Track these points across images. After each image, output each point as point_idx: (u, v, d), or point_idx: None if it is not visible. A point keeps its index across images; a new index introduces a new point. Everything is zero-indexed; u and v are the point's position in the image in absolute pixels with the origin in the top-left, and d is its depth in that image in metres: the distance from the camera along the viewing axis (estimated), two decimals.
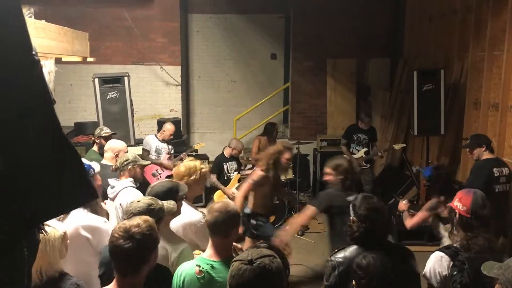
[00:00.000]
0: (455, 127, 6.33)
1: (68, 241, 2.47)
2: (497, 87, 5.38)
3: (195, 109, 9.53)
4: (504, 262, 1.96)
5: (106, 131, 5.28)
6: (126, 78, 6.30)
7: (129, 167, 3.92)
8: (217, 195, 6.60)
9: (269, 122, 8.05)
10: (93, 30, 7.53)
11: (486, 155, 4.46)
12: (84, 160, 3.73)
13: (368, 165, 7.02)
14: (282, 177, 6.87)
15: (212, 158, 7.21)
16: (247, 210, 4.64)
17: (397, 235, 5.80)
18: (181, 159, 6.43)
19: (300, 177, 7.16)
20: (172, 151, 6.57)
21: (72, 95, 8.46)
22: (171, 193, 2.89)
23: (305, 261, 5.48)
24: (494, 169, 4.35)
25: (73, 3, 7.98)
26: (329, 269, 2.56)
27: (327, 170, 4.05)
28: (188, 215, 3.19)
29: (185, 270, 2.37)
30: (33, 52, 1.11)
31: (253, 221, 4.61)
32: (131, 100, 6.41)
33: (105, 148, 4.64)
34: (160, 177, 5.99)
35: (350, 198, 3.26)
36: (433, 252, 2.73)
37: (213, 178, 6.65)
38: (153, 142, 6.45)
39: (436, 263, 2.64)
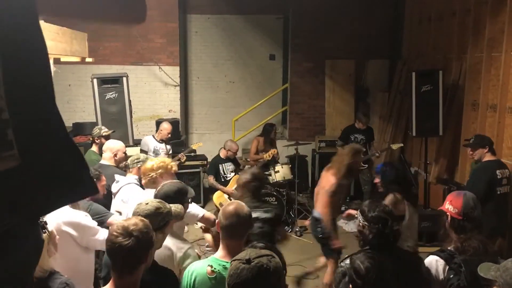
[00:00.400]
0: (454, 128, 6.34)
1: (57, 237, 2.47)
2: (495, 88, 5.39)
3: (193, 110, 9.53)
4: (501, 264, 1.95)
5: (105, 130, 5.28)
6: (124, 79, 6.30)
7: (139, 165, 4.01)
8: (216, 196, 6.60)
9: (268, 122, 8.06)
10: (91, 30, 7.52)
11: (488, 157, 4.47)
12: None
13: (366, 165, 7.02)
14: (281, 178, 6.90)
15: (210, 159, 7.21)
16: (317, 214, 4.53)
17: None
18: (179, 160, 6.44)
19: (299, 178, 7.16)
20: (171, 152, 6.56)
21: (71, 95, 8.45)
22: (180, 194, 2.91)
23: (303, 261, 5.49)
24: (497, 171, 4.37)
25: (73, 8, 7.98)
26: (339, 276, 2.56)
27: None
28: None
29: (197, 269, 2.38)
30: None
31: (319, 227, 4.48)
32: (129, 101, 6.41)
33: (104, 148, 4.66)
34: None
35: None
36: (428, 255, 2.72)
37: (211, 179, 6.64)
38: (151, 142, 6.44)
39: (431, 267, 2.63)
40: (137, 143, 6.66)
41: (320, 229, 4.45)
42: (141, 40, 8.47)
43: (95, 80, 6.17)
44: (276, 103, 9.51)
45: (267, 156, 6.75)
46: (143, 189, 3.71)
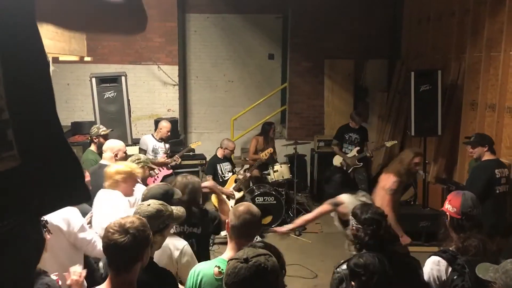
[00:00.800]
0: (452, 128, 6.35)
1: (48, 236, 2.46)
2: (494, 88, 5.39)
3: (192, 109, 9.52)
4: (500, 265, 1.93)
5: (103, 129, 5.24)
6: (123, 78, 6.28)
7: (140, 165, 4.03)
8: (214, 196, 6.58)
9: (266, 121, 8.05)
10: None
11: (487, 156, 4.47)
12: None
13: (361, 163, 7.02)
14: (280, 177, 6.90)
15: (209, 158, 7.20)
16: None
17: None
18: (174, 161, 6.43)
19: (297, 177, 7.15)
20: (169, 151, 6.55)
21: (69, 94, 8.43)
22: (167, 196, 2.91)
23: (302, 261, 5.48)
24: (496, 170, 4.37)
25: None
26: (336, 282, 2.53)
27: None
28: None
29: (203, 270, 2.38)
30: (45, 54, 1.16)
31: None
32: (128, 100, 6.39)
33: (104, 148, 4.59)
34: (158, 177, 5.97)
35: None
36: (430, 255, 2.71)
37: (209, 179, 6.63)
38: (150, 141, 6.43)
39: (433, 268, 2.62)
40: (135, 142, 6.65)
41: None
42: (140, 39, 8.46)
43: (93, 79, 6.16)
44: (275, 102, 9.51)
45: (263, 155, 6.75)
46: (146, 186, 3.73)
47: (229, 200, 6.37)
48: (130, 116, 6.45)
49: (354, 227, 2.65)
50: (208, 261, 2.51)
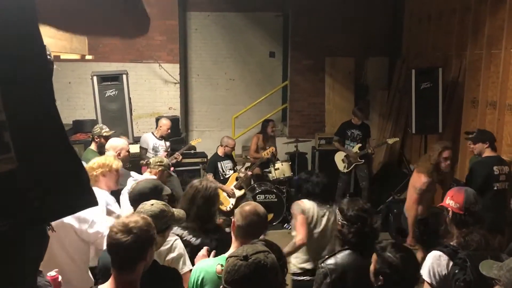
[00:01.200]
0: (453, 126, 6.35)
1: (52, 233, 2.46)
2: (495, 85, 5.39)
3: (193, 107, 9.53)
4: (504, 262, 1.92)
5: (106, 130, 5.15)
6: (124, 76, 6.30)
7: (160, 169, 4.20)
8: None
9: (266, 119, 8.03)
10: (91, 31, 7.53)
11: (488, 152, 4.47)
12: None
13: (363, 160, 7.01)
14: (281, 175, 6.91)
15: (210, 156, 7.21)
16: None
17: (395, 233, 5.82)
18: (175, 159, 6.44)
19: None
20: (170, 149, 6.56)
21: (71, 93, 8.44)
22: (156, 191, 2.91)
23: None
24: (495, 167, 4.36)
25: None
26: (321, 277, 2.52)
27: None
28: None
29: (204, 268, 2.38)
30: (48, 53, 1.14)
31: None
32: (129, 98, 6.41)
33: (106, 146, 4.52)
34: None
35: None
36: (430, 250, 2.73)
37: (209, 177, 6.64)
38: (150, 140, 6.44)
39: (434, 262, 2.63)
40: (137, 140, 6.67)
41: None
42: (141, 38, 8.46)
43: (95, 78, 6.17)
44: (276, 100, 9.51)
45: (265, 154, 6.76)
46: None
47: (229, 198, 6.40)
48: (131, 114, 6.47)
49: (339, 222, 2.64)
50: (210, 259, 2.51)
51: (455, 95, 6.41)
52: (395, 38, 8.71)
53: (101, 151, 4.84)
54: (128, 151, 4.56)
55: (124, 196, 3.78)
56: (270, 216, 6.60)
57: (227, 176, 6.58)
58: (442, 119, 6.21)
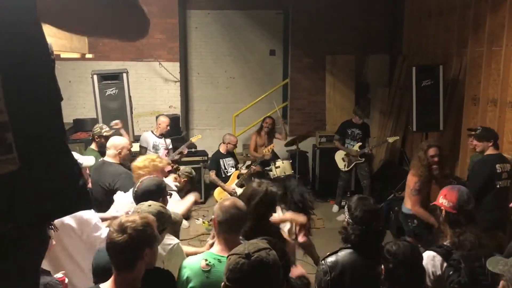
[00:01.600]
0: (454, 123, 6.34)
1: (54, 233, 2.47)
2: (496, 82, 5.38)
3: (194, 106, 9.53)
4: (510, 259, 1.96)
5: (106, 129, 5.13)
6: (124, 75, 6.30)
7: (186, 179, 4.52)
8: (217, 192, 6.61)
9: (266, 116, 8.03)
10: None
11: (490, 151, 4.46)
12: (77, 155, 3.83)
13: (363, 159, 7.02)
14: (281, 173, 6.90)
15: (211, 155, 7.22)
16: (407, 210, 4.58)
17: (396, 232, 5.82)
18: (181, 153, 6.46)
19: (299, 173, 7.16)
20: (170, 146, 6.56)
21: (71, 91, 8.45)
22: (160, 188, 2.92)
23: (304, 257, 5.49)
24: (497, 165, 4.35)
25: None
26: (321, 274, 2.51)
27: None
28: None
29: (189, 264, 2.40)
30: (50, 51, 1.13)
31: (410, 222, 4.56)
32: (129, 97, 6.40)
33: (108, 145, 4.47)
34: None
35: None
36: (424, 250, 2.70)
37: (212, 175, 6.65)
38: (150, 138, 6.44)
39: (428, 263, 2.61)
40: (137, 139, 6.67)
41: (410, 223, 4.55)
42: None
43: (95, 76, 6.17)
44: (277, 98, 9.49)
45: (266, 151, 6.76)
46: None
47: (231, 196, 6.41)
48: (131, 113, 6.47)
49: (345, 220, 2.61)
50: (197, 255, 2.51)
51: (455, 92, 6.40)
52: (395, 35, 8.70)
53: (101, 150, 4.83)
54: (130, 150, 4.53)
55: (119, 195, 3.80)
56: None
57: (229, 174, 6.58)
58: (443, 117, 6.20)
